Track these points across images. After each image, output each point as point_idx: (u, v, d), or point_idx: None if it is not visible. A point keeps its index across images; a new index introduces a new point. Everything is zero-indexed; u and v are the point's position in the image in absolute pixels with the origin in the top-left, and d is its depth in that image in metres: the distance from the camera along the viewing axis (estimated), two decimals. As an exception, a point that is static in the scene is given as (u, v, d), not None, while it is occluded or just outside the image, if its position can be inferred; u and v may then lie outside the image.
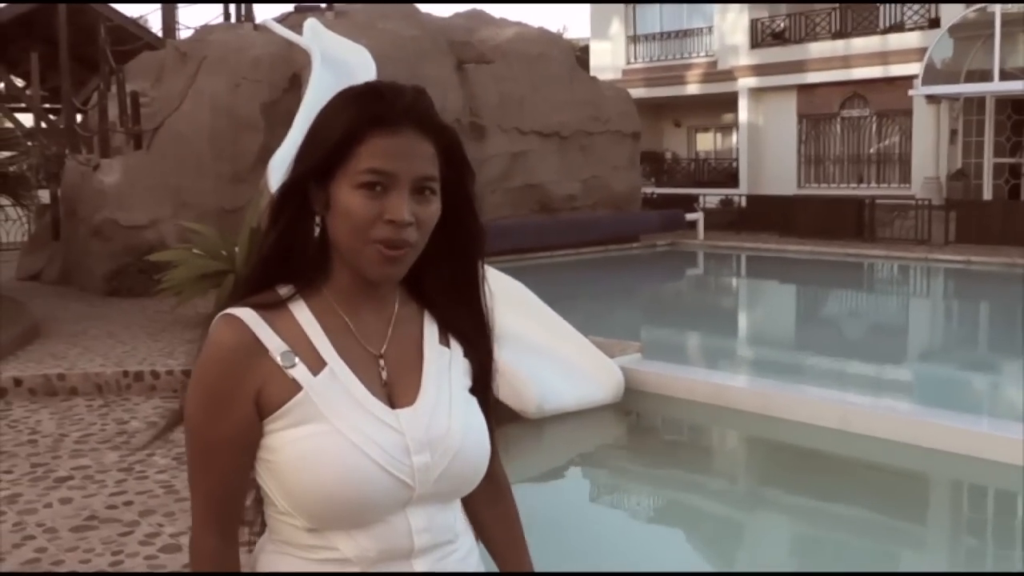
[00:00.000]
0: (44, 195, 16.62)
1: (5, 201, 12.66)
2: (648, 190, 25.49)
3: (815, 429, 7.11)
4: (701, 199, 24.63)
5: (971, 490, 6.75)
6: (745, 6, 26.80)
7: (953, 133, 23.41)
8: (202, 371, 1.45)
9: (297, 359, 1.44)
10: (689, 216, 22.19)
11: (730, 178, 28.28)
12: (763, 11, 26.98)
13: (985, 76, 21.60)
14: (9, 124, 20.83)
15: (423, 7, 18.97)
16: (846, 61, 24.99)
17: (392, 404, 1.48)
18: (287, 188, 1.49)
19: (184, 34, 18.65)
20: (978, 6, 21.53)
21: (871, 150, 25.83)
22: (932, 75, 22.15)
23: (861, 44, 24.78)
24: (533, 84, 18.97)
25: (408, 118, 1.44)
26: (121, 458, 6.25)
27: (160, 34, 19.88)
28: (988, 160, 22.88)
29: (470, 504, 1.63)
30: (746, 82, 27.02)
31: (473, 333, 1.61)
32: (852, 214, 21.48)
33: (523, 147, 18.76)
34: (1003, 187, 23.34)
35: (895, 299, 17.08)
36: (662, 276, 19.23)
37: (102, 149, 14.86)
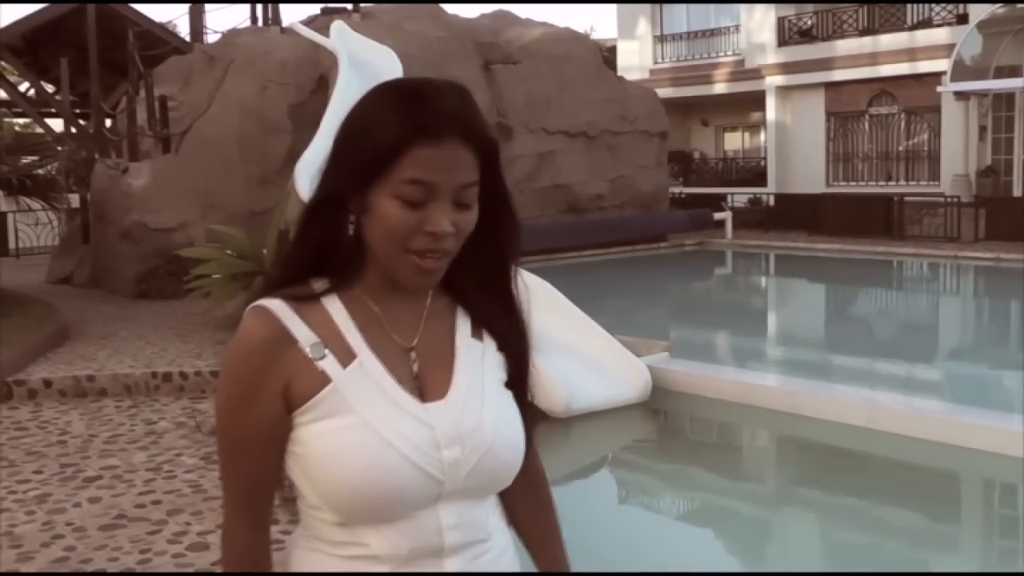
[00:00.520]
0: (74, 199, 16.77)
1: (36, 205, 12.78)
2: (676, 190, 25.43)
3: (842, 427, 7.07)
4: (729, 198, 24.55)
5: (1000, 488, 6.68)
6: (772, 4, 26.68)
7: (982, 130, 23.22)
8: (231, 363, 1.45)
9: (327, 351, 1.43)
10: (717, 215, 22.09)
11: (758, 177, 28.15)
12: (790, 9, 26.84)
13: (1014, 72, 21.41)
14: (39, 129, 21.05)
15: (449, 8, 19.02)
16: (874, 58, 24.83)
17: (423, 397, 1.46)
18: (325, 192, 1.46)
19: (212, 38, 18.73)
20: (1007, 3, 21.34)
21: (900, 148, 25.63)
22: (960, 71, 21.97)
23: (888, 41, 24.60)
24: (560, 84, 18.95)
25: (453, 127, 1.39)
26: (149, 458, 6.29)
27: (188, 38, 20.02)
28: (1018, 157, 22.67)
29: (505, 496, 1.61)
30: (773, 80, 26.89)
31: (507, 327, 1.58)
32: (881, 212, 21.33)
33: (550, 147, 18.76)
34: (1033, 184, 23.12)
35: (924, 297, 16.94)
36: (690, 275, 19.17)
37: (131, 153, 14.98)
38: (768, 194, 25.43)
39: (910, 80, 24.51)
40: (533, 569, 1.70)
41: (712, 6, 28.88)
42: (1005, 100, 22.87)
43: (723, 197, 24.51)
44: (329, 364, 1.42)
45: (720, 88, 28.73)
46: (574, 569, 1.74)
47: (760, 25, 27.25)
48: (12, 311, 10.74)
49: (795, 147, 26.98)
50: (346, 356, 1.43)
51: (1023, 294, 14.36)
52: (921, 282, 18.20)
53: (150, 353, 9.19)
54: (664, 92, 26.61)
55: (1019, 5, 21.02)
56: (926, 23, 24.31)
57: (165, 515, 5.19)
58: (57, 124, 21.56)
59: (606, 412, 7.63)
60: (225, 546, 1.51)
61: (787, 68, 26.53)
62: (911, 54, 24.11)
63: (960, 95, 22.30)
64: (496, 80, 18.22)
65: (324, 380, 1.41)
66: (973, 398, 8.32)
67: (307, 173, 10.77)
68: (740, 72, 27.96)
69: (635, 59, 30.40)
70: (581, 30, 39.89)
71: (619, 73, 25.16)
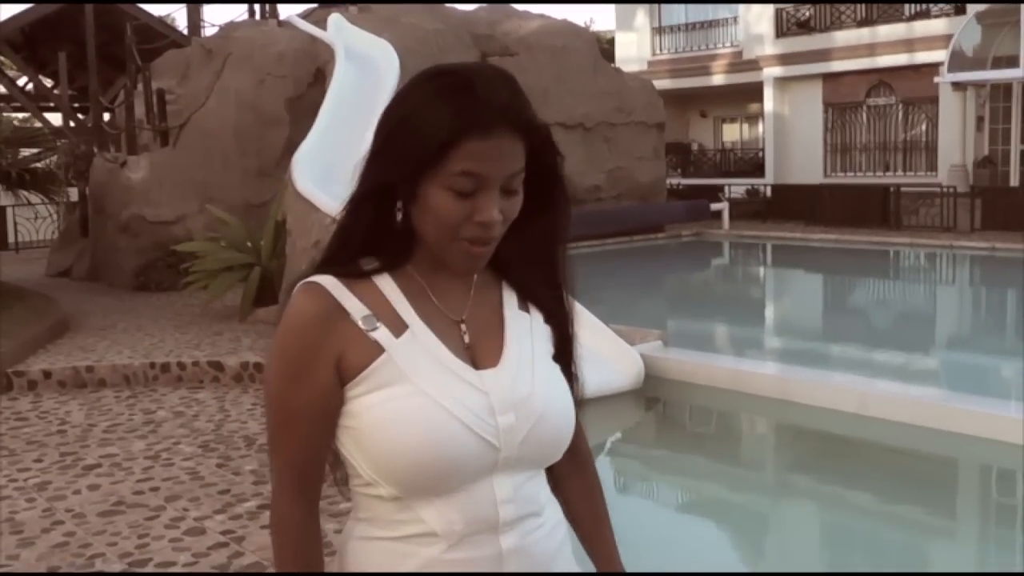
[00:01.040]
0: (73, 193, 16.85)
1: (35, 199, 12.85)
2: (674, 181, 25.45)
3: (834, 414, 7.14)
4: (726, 189, 24.59)
5: (995, 475, 6.75)
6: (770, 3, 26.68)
7: (980, 120, 23.22)
8: (282, 338, 1.45)
9: (379, 322, 1.44)
10: (714, 206, 22.14)
11: (756, 168, 28.18)
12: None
13: (1012, 62, 21.41)
14: (39, 123, 21.11)
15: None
16: (871, 49, 24.84)
17: (475, 366, 1.48)
18: (372, 183, 1.46)
19: (209, 32, 18.80)
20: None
21: (897, 138, 25.66)
22: (958, 62, 21.99)
23: (886, 32, 24.61)
24: (557, 76, 18.98)
25: (503, 119, 1.40)
26: (148, 446, 6.38)
27: (186, 32, 20.08)
28: (1015, 147, 22.69)
29: (553, 478, 1.61)
30: (771, 71, 26.91)
31: (551, 301, 1.60)
32: (877, 202, 21.37)
33: (547, 139, 18.78)
34: (1031, 174, 23.15)
35: (919, 287, 16.99)
36: (686, 266, 19.22)
37: (129, 146, 15.05)
38: (765, 185, 25.48)
39: (908, 71, 24.54)
40: (581, 546, 1.71)
41: (710, -4, 28.92)
42: (1003, 90, 22.88)
43: (720, 188, 24.56)
44: (382, 335, 1.44)
45: (718, 80, 28.74)
46: (622, 554, 1.73)
47: (758, 16, 27.25)
48: (12, 304, 10.82)
49: (793, 138, 27.00)
50: (398, 327, 1.45)
51: (1018, 283, 14.42)
52: (916, 272, 18.25)
53: (148, 344, 9.27)
54: (662, 84, 26.60)
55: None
56: (924, 14, 24.30)
57: (163, 501, 5.27)
58: (56, 118, 21.61)
59: (599, 399, 7.68)
60: (275, 522, 1.51)
61: (785, 59, 26.55)
62: (909, 45, 24.14)
63: (957, 86, 22.30)
64: (493, 72, 18.23)
65: (377, 350, 1.43)
66: (967, 386, 8.39)
67: (304, 165, 10.82)
68: (738, 63, 27.97)
69: (633, 51, 30.40)
70: (581, 23, 39.89)
71: (618, 65, 25.16)
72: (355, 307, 1.44)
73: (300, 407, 1.44)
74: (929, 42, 23.44)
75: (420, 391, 1.41)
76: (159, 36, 19.13)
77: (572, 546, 1.60)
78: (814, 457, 7.01)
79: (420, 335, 1.45)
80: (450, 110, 1.38)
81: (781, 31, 26.79)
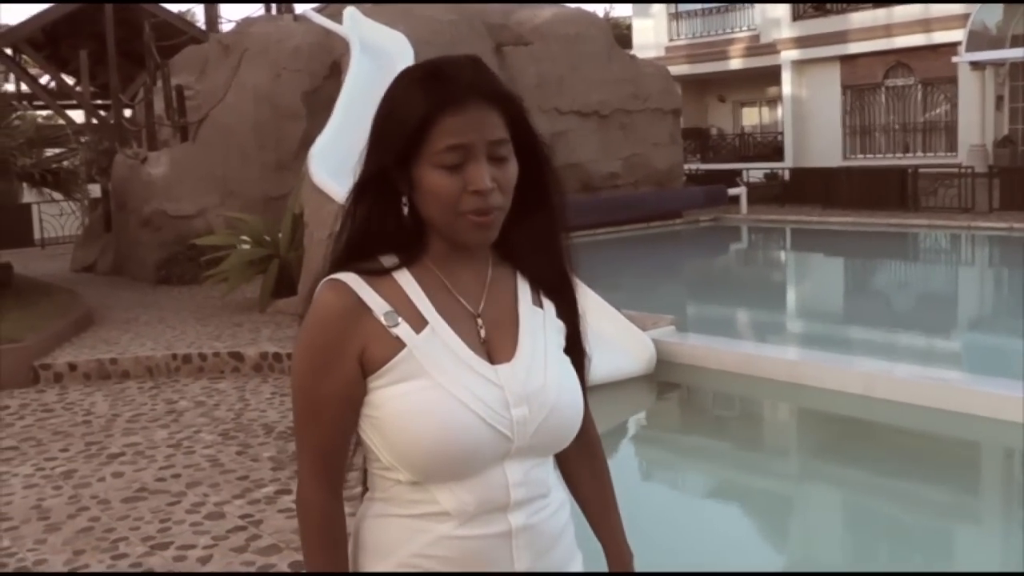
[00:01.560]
0: (95, 189, 17.08)
1: (58, 196, 13.08)
2: (693, 166, 25.47)
3: (844, 396, 7.22)
4: (744, 174, 24.61)
5: (1001, 452, 6.81)
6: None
7: (999, 99, 23.14)
8: (308, 332, 1.53)
9: (400, 319, 1.51)
10: (731, 191, 22.17)
11: (775, 152, 28.18)
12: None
13: (1031, 41, 21.35)
14: (61, 121, 21.36)
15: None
16: (888, 30, 24.77)
17: (491, 360, 1.55)
18: (368, 176, 1.55)
19: (226, 27, 18.97)
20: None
21: (917, 119, 25.57)
22: (976, 41, 21.91)
23: (903, 12, 24.51)
24: (571, 64, 19.07)
25: (473, 92, 1.49)
26: (170, 435, 6.55)
27: (204, 27, 20.27)
28: (1035, 126, 22.62)
29: (563, 462, 1.70)
30: (789, 55, 26.88)
31: (561, 291, 1.68)
32: (895, 184, 21.33)
33: (563, 127, 18.88)
34: (1051, 153, 23.06)
35: (936, 268, 16.97)
36: (704, 251, 19.29)
37: (149, 142, 15.25)
38: (784, 169, 25.47)
39: (926, 51, 24.43)
40: (586, 526, 1.78)
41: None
42: (1022, 69, 22.78)
43: (738, 173, 24.58)
44: (403, 331, 1.51)
45: (736, 64, 28.74)
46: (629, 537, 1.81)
47: (774, -1, 27.22)
48: (38, 299, 11.04)
49: (812, 121, 26.97)
50: (418, 323, 1.52)
51: (1034, 263, 14.42)
52: (933, 253, 18.25)
53: (170, 336, 9.46)
54: (680, 69, 26.68)
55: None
56: (940, -7, 24.22)
57: (184, 488, 5.44)
58: (78, 115, 21.86)
59: (612, 384, 7.81)
60: (302, 511, 1.58)
61: (802, 42, 26.51)
62: (926, 25, 24.03)
63: (976, 65, 22.23)
64: (508, 62, 18.34)
65: (399, 346, 1.50)
66: (984, 367, 8.42)
67: (321, 158, 10.96)
68: (755, 47, 27.96)
69: (651, 37, 30.43)
70: (601, 9, 39.91)
71: (635, 51, 25.22)
72: (377, 304, 1.52)
73: (325, 397, 1.52)
74: (946, 21, 23.34)
75: (438, 385, 1.49)
76: (178, 32, 19.33)
77: (576, 527, 1.68)
78: (824, 439, 7.11)
79: (439, 331, 1.53)
80: (423, 94, 1.49)
81: (798, 14, 26.76)
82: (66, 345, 9.18)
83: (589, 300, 8.58)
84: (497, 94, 1.53)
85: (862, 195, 21.44)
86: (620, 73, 20.03)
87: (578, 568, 1.68)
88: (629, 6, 32.63)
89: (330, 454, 1.56)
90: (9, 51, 21.81)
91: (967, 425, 6.62)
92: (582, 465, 1.76)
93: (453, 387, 1.49)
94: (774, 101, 29.85)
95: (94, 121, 20.26)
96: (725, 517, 5.75)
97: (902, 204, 20.85)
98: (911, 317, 11.58)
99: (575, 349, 1.68)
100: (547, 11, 19.80)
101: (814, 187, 22.92)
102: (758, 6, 27.92)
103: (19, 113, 15.02)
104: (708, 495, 6.34)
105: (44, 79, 23.94)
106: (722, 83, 30.57)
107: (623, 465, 6.93)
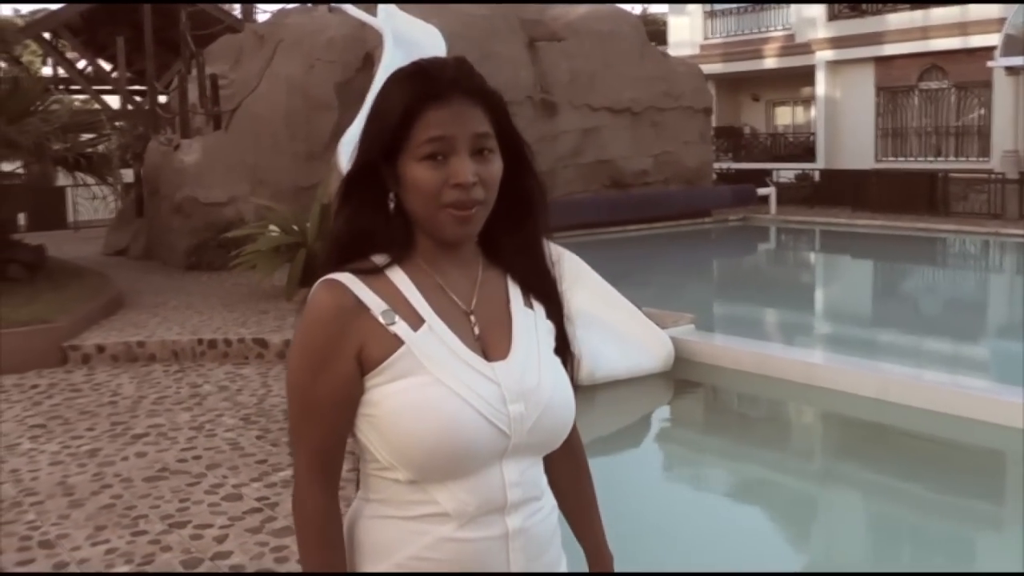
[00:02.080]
0: (128, 174, 17.29)
1: (91, 181, 13.28)
2: (724, 165, 25.41)
3: (857, 398, 7.26)
4: (775, 174, 24.55)
5: (1010, 459, 6.83)
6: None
7: (1034, 105, 22.94)
8: (305, 332, 1.54)
9: (397, 316, 1.53)
10: (761, 191, 22.17)
11: (807, 152, 28.06)
12: (840, -17, 26.66)
13: (1067, 46, 21.15)
14: (97, 106, 21.61)
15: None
16: (924, 32, 24.60)
17: (486, 358, 1.57)
18: (355, 171, 1.58)
19: (262, 18, 19.15)
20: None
21: (950, 123, 25.39)
22: (1012, 46, 21.71)
23: (940, 14, 24.32)
24: (604, 61, 19.13)
25: (455, 87, 1.52)
26: (193, 418, 6.70)
27: (240, 17, 20.46)
28: (1069, 133, 22.41)
29: (546, 464, 1.67)
30: (823, 55, 26.75)
31: (546, 293, 1.70)
32: (926, 188, 21.24)
33: (594, 123, 18.96)
34: (1085, 160, 22.82)
35: (961, 273, 16.91)
36: (730, 250, 19.31)
37: (183, 130, 15.44)
38: (814, 170, 25.37)
39: (961, 54, 24.23)
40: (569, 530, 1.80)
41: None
42: (1057, 75, 22.60)
43: (768, 173, 24.53)
44: (401, 328, 1.52)
45: (770, 63, 28.62)
46: (609, 539, 1.84)
47: (810, -1, 27.09)
48: (69, 281, 11.25)
49: (844, 122, 26.82)
50: (415, 321, 1.54)
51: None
52: (960, 258, 18.17)
53: (197, 321, 9.62)
54: (714, 67, 26.60)
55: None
56: (978, -4, 24.03)
57: (204, 469, 5.58)
58: (113, 101, 22.11)
59: (630, 381, 7.91)
60: (298, 510, 1.59)
61: (837, 43, 26.37)
62: (962, 28, 23.84)
63: (1011, 70, 22.03)
64: (541, 57, 18.43)
65: (396, 343, 1.52)
66: (1007, 374, 8.37)
67: (349, 149, 11.10)
68: (790, 47, 27.83)
69: (686, 34, 30.38)
70: (638, 7, 39.85)
71: (671, 49, 25.22)
72: (374, 302, 1.53)
73: (322, 397, 1.53)
74: (983, 25, 23.13)
75: (437, 381, 1.50)
76: (214, 22, 19.52)
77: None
78: (836, 440, 7.16)
79: (436, 328, 1.55)
80: (406, 90, 1.54)
81: (833, 14, 26.61)
82: (95, 327, 9.36)
83: (608, 296, 8.69)
84: (480, 91, 1.57)
85: (892, 198, 21.37)
86: (652, 71, 20.08)
87: (563, 571, 1.70)
88: (665, 4, 32.61)
89: (326, 454, 1.57)
90: (47, 36, 22.08)
91: (983, 432, 6.62)
92: (564, 465, 1.77)
93: (452, 383, 1.51)
94: (807, 101, 29.70)
95: (129, 107, 20.49)
96: (732, 513, 5.81)
97: (932, 208, 20.76)
98: (934, 322, 11.57)
99: (563, 350, 1.71)
100: (581, 8, 19.88)
101: (844, 189, 22.86)
102: (793, 6, 27.80)
103: (56, 97, 15.24)
104: (717, 491, 6.40)
105: (81, 64, 24.21)
106: (756, 82, 30.47)
107: (633, 460, 7.03)
